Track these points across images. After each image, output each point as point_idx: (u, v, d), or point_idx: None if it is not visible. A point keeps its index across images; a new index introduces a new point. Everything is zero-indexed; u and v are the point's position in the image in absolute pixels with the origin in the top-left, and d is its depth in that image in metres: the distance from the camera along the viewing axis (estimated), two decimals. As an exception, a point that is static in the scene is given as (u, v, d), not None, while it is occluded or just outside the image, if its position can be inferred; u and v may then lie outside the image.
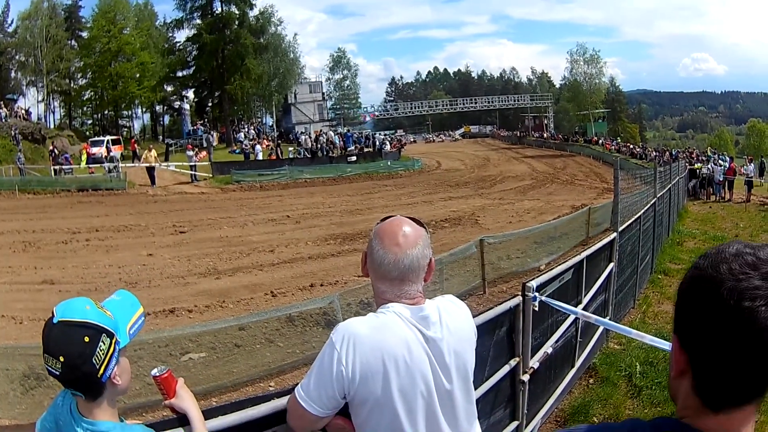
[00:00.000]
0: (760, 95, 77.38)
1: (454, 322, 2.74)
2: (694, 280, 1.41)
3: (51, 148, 44.75)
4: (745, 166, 36.07)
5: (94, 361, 2.10)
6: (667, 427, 1.42)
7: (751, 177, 33.98)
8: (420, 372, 2.58)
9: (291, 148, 53.68)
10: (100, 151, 45.75)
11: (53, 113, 67.93)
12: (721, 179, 34.29)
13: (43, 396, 7.82)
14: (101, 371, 2.13)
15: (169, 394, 2.61)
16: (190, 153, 44.63)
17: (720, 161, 37.06)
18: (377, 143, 62.20)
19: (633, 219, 10.84)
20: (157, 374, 2.59)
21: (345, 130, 67.75)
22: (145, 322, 2.46)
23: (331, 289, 14.09)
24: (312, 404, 2.56)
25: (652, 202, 13.25)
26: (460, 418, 2.75)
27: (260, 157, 51.01)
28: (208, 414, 2.68)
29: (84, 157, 44.08)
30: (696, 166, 36.92)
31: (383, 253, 2.63)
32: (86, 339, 2.09)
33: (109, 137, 51.20)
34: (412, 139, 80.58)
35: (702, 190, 35.54)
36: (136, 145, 53.71)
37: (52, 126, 62.49)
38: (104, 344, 2.13)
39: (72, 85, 66.86)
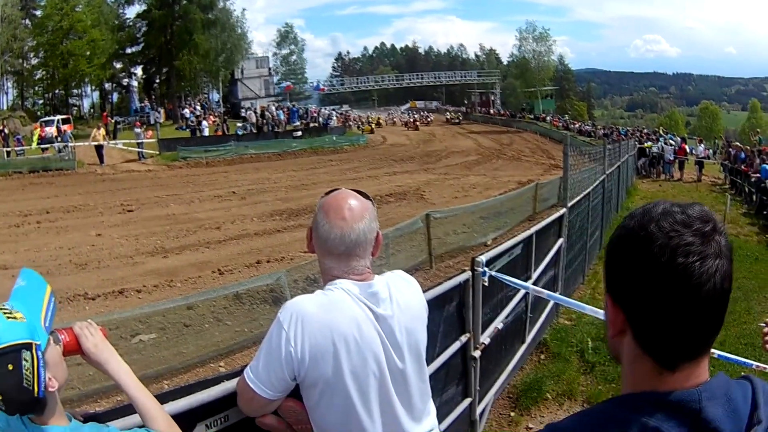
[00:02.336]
0: (714, 78, 78.36)
1: (404, 298, 2.69)
2: (622, 239, 1.41)
3: (1, 128, 43.86)
4: (695, 147, 36.37)
5: (25, 386, 1.94)
6: (642, 401, 1.37)
7: (702, 157, 34.30)
8: (371, 351, 2.52)
9: (239, 124, 53.13)
10: (50, 130, 45.00)
11: (6, 94, 66.75)
12: (671, 158, 34.57)
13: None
14: (35, 390, 1.98)
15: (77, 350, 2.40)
16: (138, 130, 43.88)
17: (670, 141, 37.35)
18: (323, 118, 61.90)
19: (582, 195, 10.90)
20: (60, 342, 2.31)
21: (291, 105, 67.30)
22: (55, 303, 2.30)
23: (278, 265, 14.10)
24: (262, 387, 2.48)
25: (601, 179, 13.37)
26: (413, 397, 2.70)
27: (206, 133, 50.57)
28: (158, 399, 2.55)
29: (36, 137, 43.34)
30: (646, 145, 37.21)
31: (329, 228, 2.54)
32: (10, 367, 1.92)
33: (59, 117, 50.30)
34: (386, 117, 77.01)
35: (652, 168, 35.86)
36: (108, 119, 53.28)
37: (5, 107, 61.47)
38: (27, 360, 1.95)
39: (25, 65, 65.70)
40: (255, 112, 56.84)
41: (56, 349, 2.20)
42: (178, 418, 2.58)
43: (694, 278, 1.30)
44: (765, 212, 19.36)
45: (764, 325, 2.52)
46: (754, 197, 23.03)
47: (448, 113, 78.95)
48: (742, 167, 27.13)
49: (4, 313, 1.99)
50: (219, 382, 2.81)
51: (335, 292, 2.54)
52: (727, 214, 17.34)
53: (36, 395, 1.98)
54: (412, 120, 70.32)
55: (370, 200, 2.71)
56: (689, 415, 1.32)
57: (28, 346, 1.97)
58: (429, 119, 73.58)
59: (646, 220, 1.37)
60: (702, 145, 36.93)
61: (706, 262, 1.31)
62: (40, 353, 2.00)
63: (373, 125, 66.29)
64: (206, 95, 74.86)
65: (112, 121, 53.15)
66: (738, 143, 33.67)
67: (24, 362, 1.95)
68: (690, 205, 1.40)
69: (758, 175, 22.76)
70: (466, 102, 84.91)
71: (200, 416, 2.77)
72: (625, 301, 1.39)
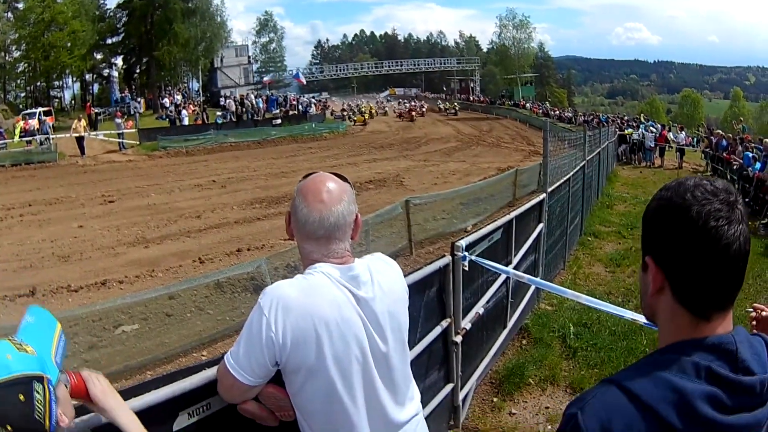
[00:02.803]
0: (695, 66, 78.52)
1: (385, 280, 2.68)
2: (661, 207, 1.63)
3: None
4: (676, 134, 36.44)
5: (36, 417, 1.88)
6: (687, 346, 1.58)
7: (683, 145, 34.39)
8: (353, 335, 2.51)
9: (218, 113, 52.90)
10: (33, 123, 44.69)
11: None
12: (652, 145, 34.67)
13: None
14: (47, 424, 1.91)
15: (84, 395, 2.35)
16: (119, 121, 43.67)
17: (651, 128, 37.43)
18: (302, 106, 61.65)
19: (562, 180, 10.91)
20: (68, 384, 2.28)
21: (270, 94, 66.98)
22: (65, 340, 2.25)
23: (258, 253, 14.14)
24: (242, 373, 2.46)
25: (581, 165, 13.36)
26: (397, 381, 2.70)
27: (186, 122, 50.57)
28: (139, 389, 2.57)
29: (18, 131, 43.00)
30: (627, 132, 37.30)
31: (307, 212, 2.52)
32: (21, 397, 1.86)
33: (41, 109, 49.98)
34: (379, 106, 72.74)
35: (633, 155, 35.97)
36: (92, 109, 53.18)
37: None
38: (39, 393, 1.88)
39: (7, 58, 65.20)
40: (235, 101, 56.65)
41: (65, 389, 2.16)
42: (159, 407, 2.57)
43: (723, 239, 1.52)
44: (747, 199, 19.44)
45: (751, 310, 2.56)
46: (737, 185, 23.16)
47: (440, 103, 75.63)
48: (724, 155, 27.22)
49: (14, 345, 1.93)
50: (200, 370, 2.78)
51: (315, 276, 2.53)
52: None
53: (47, 429, 1.91)
54: (407, 111, 66.33)
55: (349, 183, 2.69)
56: (728, 355, 1.55)
57: (39, 379, 1.91)
58: (423, 109, 69.01)
59: (682, 191, 1.59)
60: (683, 132, 37.00)
61: (732, 226, 1.54)
62: (51, 387, 1.94)
63: (366, 117, 62.10)
64: (186, 84, 74.52)
65: (94, 111, 52.90)
66: (720, 131, 33.70)
67: (36, 394, 1.88)
68: (715, 179, 1.63)
69: (740, 161, 22.85)
70: (444, 89, 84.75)
71: (182, 405, 2.74)
72: (666, 260, 1.60)
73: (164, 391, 2.62)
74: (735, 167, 23.64)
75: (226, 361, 2.49)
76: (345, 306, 2.50)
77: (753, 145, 25.67)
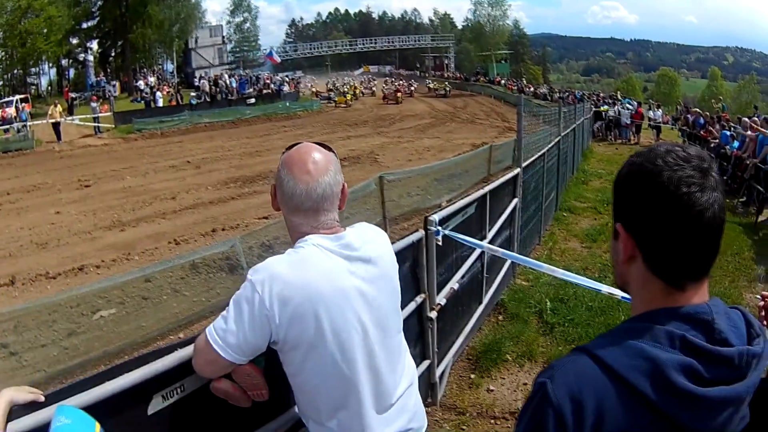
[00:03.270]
0: (672, 45, 78.49)
1: (377, 247, 2.67)
2: (631, 173, 1.61)
3: None
4: (652, 111, 36.57)
5: None
6: (662, 315, 1.55)
7: (659, 122, 34.50)
8: (350, 306, 2.49)
9: (192, 94, 52.61)
10: (10, 111, 44.27)
11: None
12: (628, 122, 34.79)
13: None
14: None
15: None
16: (94, 105, 43.44)
17: (627, 105, 37.56)
18: (275, 85, 61.23)
19: (537, 156, 10.91)
20: None
21: (244, 73, 66.67)
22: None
23: (233, 232, 14.22)
24: (228, 350, 2.39)
25: (556, 141, 13.37)
26: (393, 349, 2.72)
27: (160, 104, 50.07)
28: (111, 373, 2.53)
29: None
30: (602, 109, 37.39)
31: (294, 184, 2.47)
32: None
33: (18, 96, 49.51)
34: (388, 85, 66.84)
35: (609, 132, 36.10)
36: (69, 94, 52.72)
37: None
38: None
39: None
40: (209, 81, 56.39)
41: None
42: (132, 390, 2.53)
43: (696, 206, 1.50)
44: (725, 177, 19.53)
45: (760, 298, 2.49)
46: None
47: (429, 82, 71.27)
48: (701, 132, 27.35)
49: None
50: (172, 350, 2.74)
51: (306, 249, 2.48)
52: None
53: None
54: (392, 92, 61.23)
55: (333, 152, 2.65)
56: (703, 325, 1.53)
57: None
58: (412, 89, 65.67)
59: (653, 156, 1.56)
60: (659, 110, 37.12)
61: (705, 193, 1.50)
62: None
63: (349, 97, 58.99)
64: (161, 66, 74.09)
65: (71, 96, 52.55)
66: (697, 109, 33.87)
67: None
68: (688, 146, 1.62)
69: (717, 140, 22.96)
70: (419, 66, 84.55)
71: (156, 388, 2.70)
72: (636, 227, 1.59)
73: (137, 374, 2.56)
74: (712, 145, 23.74)
75: (209, 337, 2.41)
76: (340, 276, 2.47)
77: (732, 124, 25.76)
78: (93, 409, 2.34)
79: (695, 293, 1.57)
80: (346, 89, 63.06)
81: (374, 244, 2.64)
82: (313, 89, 65.19)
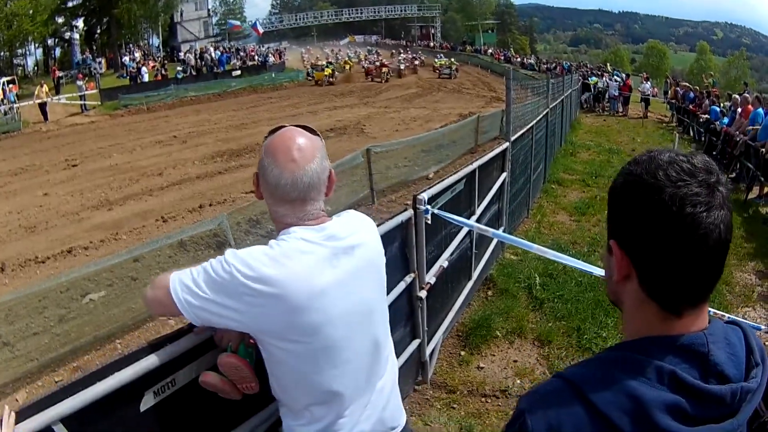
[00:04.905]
0: (661, 19, 78.17)
1: (363, 237, 2.58)
2: (629, 185, 1.47)
3: None
4: (642, 84, 36.48)
5: None
6: (653, 345, 1.46)
7: (648, 95, 34.44)
8: (338, 297, 2.41)
9: (178, 68, 52.31)
10: (-4, 94, 44.00)
11: None
12: (616, 94, 34.73)
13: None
14: None
15: None
16: (80, 83, 43.14)
17: (615, 77, 37.48)
18: (260, 56, 60.74)
19: (525, 129, 10.88)
20: None
21: (228, 46, 66.17)
22: None
23: (220, 208, 14.21)
24: (186, 308, 2.33)
25: (544, 113, 13.31)
26: (380, 340, 2.66)
27: (146, 79, 49.77)
28: (101, 373, 2.46)
29: None
30: (593, 81, 37.31)
31: (279, 173, 2.35)
32: None
33: (4, 79, 49.17)
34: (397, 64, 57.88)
35: (597, 104, 36.06)
36: (57, 73, 52.23)
37: None
38: None
39: None
40: (194, 54, 56.09)
41: None
42: (124, 389, 2.50)
43: (701, 228, 1.37)
44: (714, 153, 19.55)
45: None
46: (702, 138, 23.34)
47: (438, 57, 61.20)
48: (690, 107, 27.32)
49: None
50: (162, 346, 2.69)
51: (289, 243, 2.38)
52: (675, 153, 17.45)
53: None
54: (376, 67, 53.77)
55: (318, 136, 2.54)
56: (698, 358, 1.43)
57: None
58: (416, 62, 59.27)
59: (654, 167, 1.43)
60: (648, 82, 37.03)
61: (711, 213, 1.38)
62: None
63: (329, 71, 51.36)
64: (146, 41, 73.65)
65: (58, 75, 52.20)
66: (686, 83, 33.81)
67: None
68: (693, 154, 1.47)
69: (707, 116, 22.95)
70: (404, 35, 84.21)
71: (147, 384, 2.66)
72: (633, 247, 1.47)
73: (128, 372, 2.53)
74: (702, 120, 23.75)
75: (172, 291, 2.33)
76: (323, 272, 2.38)
77: (721, 100, 25.73)
78: (85, 412, 2.34)
79: (693, 320, 1.48)
80: (336, 61, 58.77)
81: (360, 233, 2.56)
82: (308, 62, 60.72)
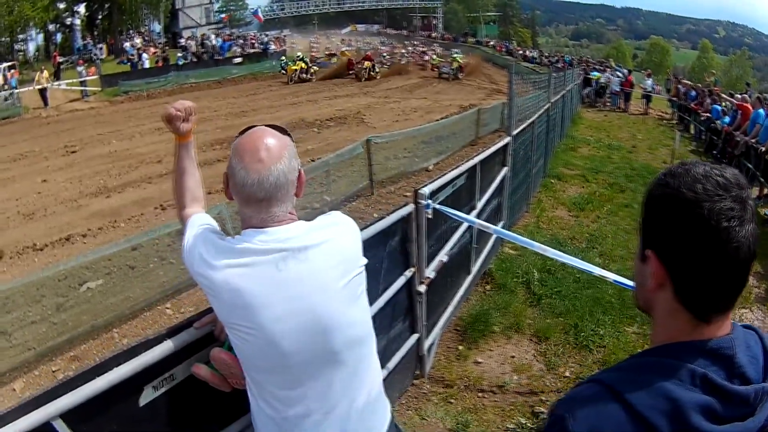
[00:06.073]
0: (663, 15, 77.90)
1: (323, 236, 2.49)
2: (667, 198, 1.53)
3: None
4: (643, 81, 36.36)
5: None
6: (685, 350, 1.53)
7: (650, 91, 34.35)
8: (274, 301, 2.37)
9: (179, 54, 52.18)
10: (-4, 80, 43.89)
11: None
12: (617, 90, 34.66)
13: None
14: None
15: None
16: (80, 68, 43.03)
17: (617, 72, 37.41)
18: (260, 44, 60.48)
19: (527, 124, 10.81)
20: None
21: (230, 33, 65.91)
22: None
23: (219, 196, 13.97)
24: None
25: (545, 107, 13.25)
26: (337, 348, 2.51)
27: (147, 65, 49.56)
28: (101, 368, 2.50)
29: None
30: (596, 76, 37.20)
31: (245, 173, 2.36)
32: None
33: (5, 64, 49.05)
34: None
35: (598, 98, 35.98)
36: (58, 58, 51.96)
37: None
38: None
39: None
40: (195, 41, 56.01)
41: None
42: (124, 384, 2.53)
43: (734, 241, 1.45)
44: (714, 152, 19.58)
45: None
46: (703, 136, 23.36)
47: (433, 52, 54.65)
48: (692, 105, 27.29)
49: None
50: (161, 341, 2.73)
51: (239, 245, 2.41)
52: (675, 150, 17.46)
53: None
54: (360, 59, 45.42)
55: (289, 135, 2.55)
56: (725, 361, 1.50)
57: None
58: (425, 57, 52.06)
59: (691, 181, 1.49)
60: (650, 79, 36.93)
61: (743, 226, 1.46)
62: None
63: (299, 66, 43.52)
64: (147, 27, 73.56)
65: (59, 60, 52.12)
66: (688, 81, 33.74)
67: None
68: (725, 167, 1.54)
69: (708, 114, 22.93)
70: (406, 25, 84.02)
71: (146, 379, 2.69)
72: (670, 257, 1.53)
73: (127, 368, 2.55)
74: (703, 119, 23.74)
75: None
76: (266, 273, 2.37)
77: (723, 97, 25.69)
78: (85, 407, 2.36)
79: (720, 326, 1.54)
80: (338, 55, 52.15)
81: (323, 234, 2.49)
82: (316, 50, 56.94)
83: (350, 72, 44.55)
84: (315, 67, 45.27)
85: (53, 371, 7.39)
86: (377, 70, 43.87)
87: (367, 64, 43.26)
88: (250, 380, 2.55)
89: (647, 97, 33.57)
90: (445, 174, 6.15)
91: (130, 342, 7.70)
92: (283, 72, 44.39)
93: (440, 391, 6.15)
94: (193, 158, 3.19)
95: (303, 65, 43.85)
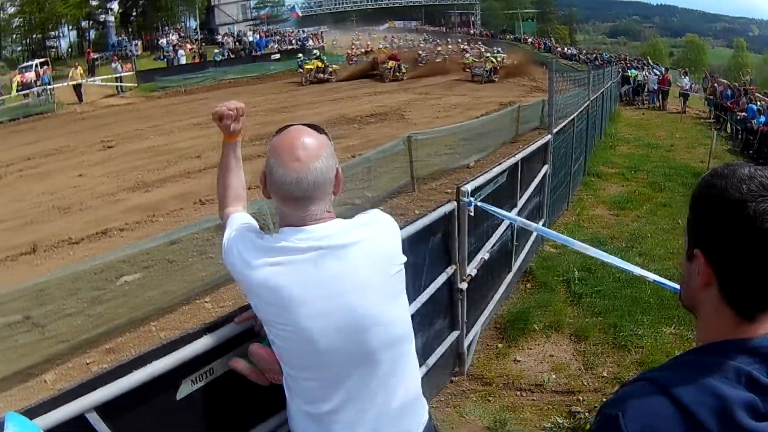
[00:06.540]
0: (699, 13, 77.23)
1: (362, 234, 2.48)
2: (714, 198, 1.54)
3: None
4: (680, 79, 36.04)
5: None
6: (731, 349, 1.53)
7: (687, 90, 34.05)
8: (312, 297, 2.37)
9: (216, 50, 52.41)
10: (30, 75, 44.33)
11: None
12: (655, 88, 34.40)
13: None
14: None
15: None
16: (115, 65, 43.61)
17: (654, 70, 37.13)
18: (298, 40, 60.50)
19: (567, 121, 10.74)
20: None
21: (267, 29, 65.98)
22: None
23: (260, 192, 13.97)
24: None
25: (585, 105, 13.16)
26: (373, 347, 2.50)
27: (183, 61, 49.85)
28: (139, 362, 2.51)
29: (14, 85, 42.61)
30: (633, 74, 36.92)
31: (283, 172, 2.36)
32: None
33: (37, 61, 49.61)
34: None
35: (636, 96, 35.72)
36: (92, 55, 52.73)
37: None
38: None
39: (1, 15, 64.51)
40: (233, 37, 56.25)
41: None
42: (162, 378, 2.54)
43: None
44: (750, 151, 19.39)
45: None
46: (740, 135, 23.13)
47: (468, 50, 51.16)
48: (728, 104, 27.02)
49: None
50: (201, 335, 2.73)
51: (279, 244, 2.42)
52: (712, 150, 17.28)
53: None
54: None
55: (326, 134, 2.52)
56: (767, 359, 1.49)
57: None
58: (467, 55, 47.78)
59: (737, 182, 1.51)
60: (686, 77, 36.61)
61: None
62: None
63: (316, 65, 41.16)
64: (183, 23, 73.94)
65: (92, 57, 52.56)
66: (723, 80, 33.44)
67: None
68: (766, 168, 1.55)
69: (744, 113, 22.69)
70: (444, 22, 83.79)
71: (184, 374, 2.70)
72: (717, 256, 1.54)
73: (166, 361, 2.57)
74: (739, 118, 23.50)
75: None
76: (303, 271, 2.37)
77: (759, 97, 25.42)
78: (120, 400, 2.38)
79: (762, 323, 1.55)
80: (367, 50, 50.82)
81: (361, 232, 2.48)
82: (356, 48, 53.71)
83: (374, 72, 42.26)
84: (334, 66, 42.92)
85: (87, 363, 7.40)
86: (403, 70, 41.43)
87: (391, 63, 41.27)
88: (287, 376, 2.56)
89: (684, 96, 33.27)
90: (487, 171, 6.12)
91: (168, 335, 7.71)
92: (301, 71, 41.80)
93: (479, 389, 6.11)
94: (239, 158, 3.18)
95: (320, 64, 41.69)
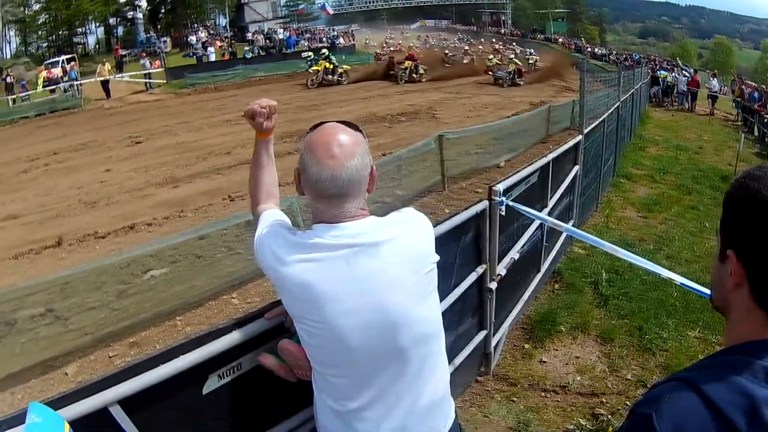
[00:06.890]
0: (726, 14, 76.68)
1: (395, 232, 2.46)
2: (748, 199, 1.55)
3: (4, 77, 43.50)
4: (708, 81, 35.85)
5: None
6: (761, 349, 1.52)
7: (716, 92, 33.83)
8: (344, 294, 2.36)
9: (246, 48, 52.56)
10: (56, 71, 44.66)
11: (9, 43, 66.16)
12: (684, 89, 34.23)
13: (14, 343, 7.47)
14: None
15: None
16: (143, 61, 43.98)
17: (684, 72, 36.92)
18: (328, 39, 60.51)
19: (598, 122, 10.69)
20: None
21: (296, 27, 66.03)
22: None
23: (289, 189, 13.95)
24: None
25: (615, 106, 13.10)
26: (405, 345, 2.48)
27: (213, 58, 50.13)
28: (167, 355, 2.55)
29: (41, 81, 42.98)
30: (662, 75, 36.75)
31: (318, 169, 2.35)
32: None
33: (64, 57, 49.95)
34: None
35: (665, 98, 35.56)
36: (120, 51, 52.82)
37: (8, 56, 61.08)
38: None
39: (27, 12, 64.98)
40: (263, 35, 56.39)
41: None
42: (189, 371, 2.56)
43: None
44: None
45: None
46: (767, 138, 22.99)
47: (495, 51, 51.31)
48: (756, 106, 26.83)
49: None
50: (229, 331, 2.76)
51: (311, 240, 2.41)
52: (740, 153, 17.15)
53: None
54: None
55: (361, 132, 2.51)
56: None
57: None
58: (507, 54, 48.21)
59: None
60: (715, 79, 36.38)
61: None
62: None
63: (322, 66, 38.48)
64: (213, 21, 74.20)
65: (120, 54, 52.90)
66: (751, 82, 33.22)
67: None
68: None
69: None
70: (475, 21, 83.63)
71: (212, 368, 2.72)
72: (750, 258, 1.54)
73: (194, 356, 2.59)
74: (766, 121, 23.37)
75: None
76: (335, 268, 2.37)
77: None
78: (145, 393, 2.39)
79: None
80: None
81: (395, 229, 2.46)
82: (387, 47, 55.00)
83: (391, 72, 39.67)
84: (345, 67, 39.73)
85: (110, 357, 7.42)
86: (421, 71, 39.55)
87: (407, 64, 39.14)
88: (315, 373, 2.56)
89: (713, 98, 33.06)
90: (518, 171, 6.11)
91: (193, 330, 7.74)
92: (310, 71, 39.27)
93: (504, 389, 6.09)
94: (272, 155, 3.16)
95: (328, 65, 38.80)
